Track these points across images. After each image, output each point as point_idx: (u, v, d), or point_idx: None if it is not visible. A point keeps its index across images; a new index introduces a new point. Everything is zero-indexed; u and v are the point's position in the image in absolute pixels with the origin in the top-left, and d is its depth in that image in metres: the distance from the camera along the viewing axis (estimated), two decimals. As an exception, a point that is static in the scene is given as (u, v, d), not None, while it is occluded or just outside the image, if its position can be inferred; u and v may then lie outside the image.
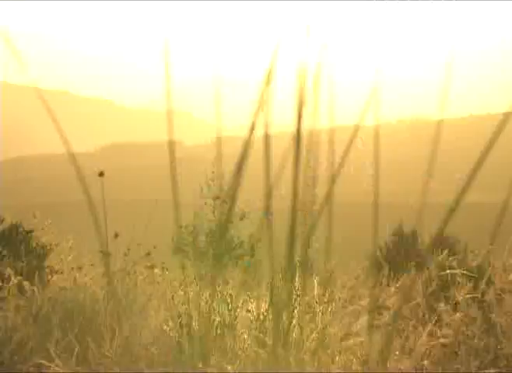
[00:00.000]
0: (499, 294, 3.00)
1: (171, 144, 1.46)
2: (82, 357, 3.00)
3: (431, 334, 2.39)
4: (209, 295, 3.18)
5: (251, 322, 2.72)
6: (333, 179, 1.34)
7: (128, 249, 4.76)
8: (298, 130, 1.30)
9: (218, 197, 8.68)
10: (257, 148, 1.35)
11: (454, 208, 1.22)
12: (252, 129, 1.30)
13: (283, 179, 1.40)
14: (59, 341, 3.23)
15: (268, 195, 1.38)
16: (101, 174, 4.35)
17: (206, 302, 2.59)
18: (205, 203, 8.64)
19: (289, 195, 1.39)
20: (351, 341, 2.12)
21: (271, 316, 1.42)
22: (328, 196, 1.40)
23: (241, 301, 2.83)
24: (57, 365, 2.70)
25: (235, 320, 3.05)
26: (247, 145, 1.31)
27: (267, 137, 1.31)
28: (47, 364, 2.73)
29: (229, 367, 1.98)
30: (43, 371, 2.80)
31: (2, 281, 4.51)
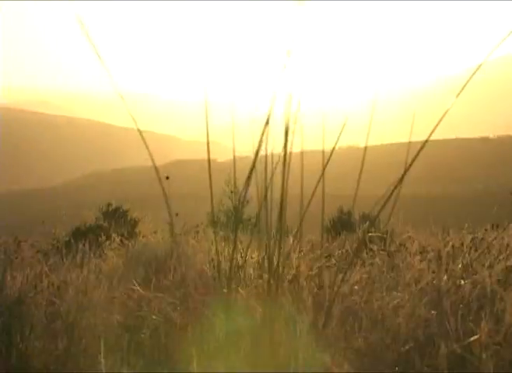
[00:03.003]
0: (398, 248, 2.98)
1: (209, 161, 1.43)
2: (156, 285, 2.96)
3: (359, 271, 2.36)
4: (230, 248, 3.14)
5: (254, 264, 2.68)
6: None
7: (185, 222, 4.76)
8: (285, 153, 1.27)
9: (233, 192, 8.78)
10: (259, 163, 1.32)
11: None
12: (257, 152, 1.27)
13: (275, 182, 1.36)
14: (143, 275, 3.20)
15: (265, 192, 1.34)
16: (167, 178, 4.34)
17: (228, 253, 2.56)
18: (227, 196, 8.71)
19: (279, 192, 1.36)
20: (313, 276, 2.10)
21: (266, 261, 1.39)
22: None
23: (249, 252, 2.79)
24: (141, 290, 2.66)
25: (245, 263, 3.01)
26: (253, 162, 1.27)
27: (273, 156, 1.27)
28: (135, 288, 2.69)
29: (241, 291, 1.94)
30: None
31: (110, 240, 4.48)
